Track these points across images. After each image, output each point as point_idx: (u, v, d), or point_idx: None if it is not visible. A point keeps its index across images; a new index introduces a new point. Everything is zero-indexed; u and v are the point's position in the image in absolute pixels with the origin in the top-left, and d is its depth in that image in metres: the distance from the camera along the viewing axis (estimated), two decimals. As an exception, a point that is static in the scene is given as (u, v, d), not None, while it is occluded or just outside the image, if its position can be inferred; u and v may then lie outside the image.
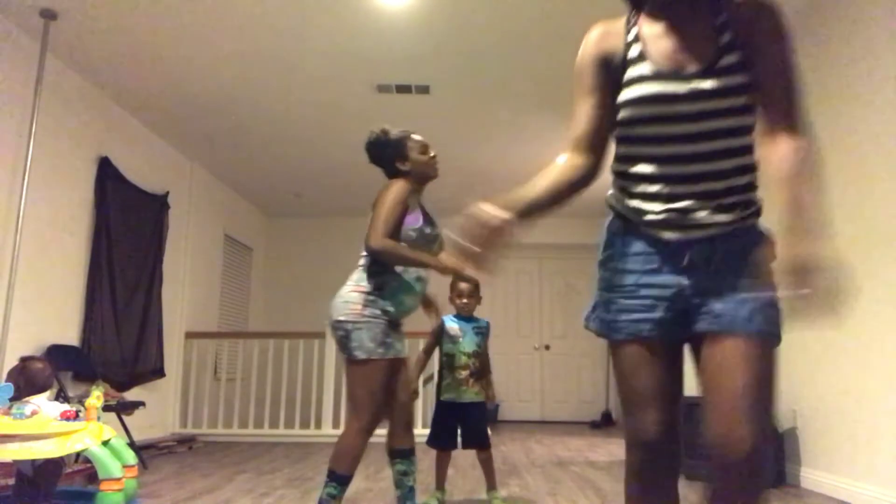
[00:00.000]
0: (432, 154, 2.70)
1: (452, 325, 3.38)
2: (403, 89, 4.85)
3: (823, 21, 3.64)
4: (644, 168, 1.35)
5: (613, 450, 5.71)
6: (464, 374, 3.35)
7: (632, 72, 1.35)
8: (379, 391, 2.52)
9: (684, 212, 1.31)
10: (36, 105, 4.08)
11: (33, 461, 2.58)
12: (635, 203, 1.37)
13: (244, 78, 4.72)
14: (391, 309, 2.53)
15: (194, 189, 6.57)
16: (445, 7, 3.82)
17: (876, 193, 3.16)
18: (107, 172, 5.00)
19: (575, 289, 8.95)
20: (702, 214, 1.31)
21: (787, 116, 1.28)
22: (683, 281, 1.33)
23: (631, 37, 1.38)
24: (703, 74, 1.28)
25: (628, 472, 1.40)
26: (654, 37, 1.35)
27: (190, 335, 6.39)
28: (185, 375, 6.30)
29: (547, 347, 8.88)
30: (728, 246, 1.31)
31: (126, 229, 5.25)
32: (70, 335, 4.61)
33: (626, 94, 1.35)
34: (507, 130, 5.69)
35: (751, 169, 1.34)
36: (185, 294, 6.41)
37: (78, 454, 2.60)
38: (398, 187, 2.52)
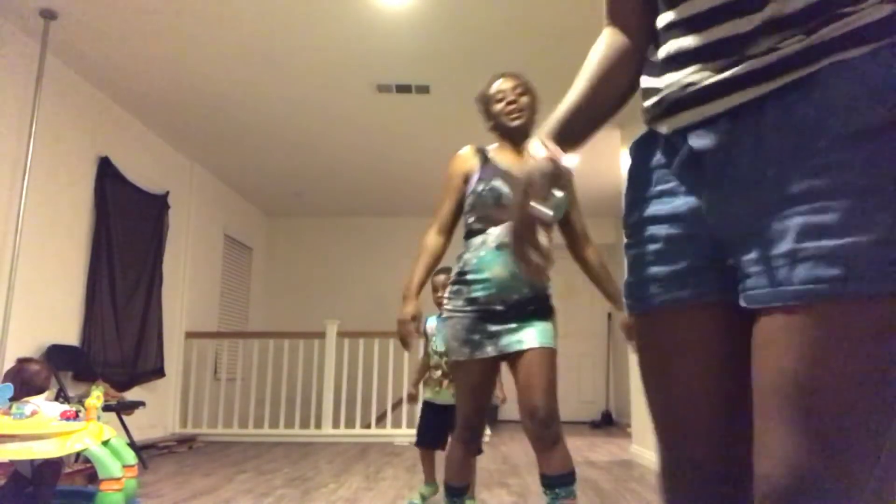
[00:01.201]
0: (508, 99, 2.24)
1: (431, 323, 3.38)
2: (403, 89, 4.85)
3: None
4: (663, 18, 0.83)
5: (613, 450, 5.71)
6: (437, 374, 3.27)
7: None
8: (467, 396, 2.18)
9: (679, 62, 0.77)
10: (36, 105, 4.08)
11: (32, 461, 2.58)
12: (645, 82, 0.87)
13: (244, 78, 4.72)
14: (479, 294, 2.09)
15: (194, 189, 6.57)
16: (445, 7, 3.82)
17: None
18: (107, 172, 5.00)
19: (575, 289, 8.95)
20: (711, 71, 0.74)
21: None
22: (702, 207, 0.76)
23: None
24: None
25: None
26: None
27: (190, 335, 6.39)
28: (185, 375, 6.30)
29: (547, 347, 8.88)
30: (773, 122, 0.69)
31: (126, 229, 5.25)
32: (70, 335, 4.60)
33: None
34: (507, 130, 5.69)
35: None
36: (185, 294, 6.41)
37: (78, 454, 2.60)
38: (448, 167, 2.27)
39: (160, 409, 5.89)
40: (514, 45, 4.22)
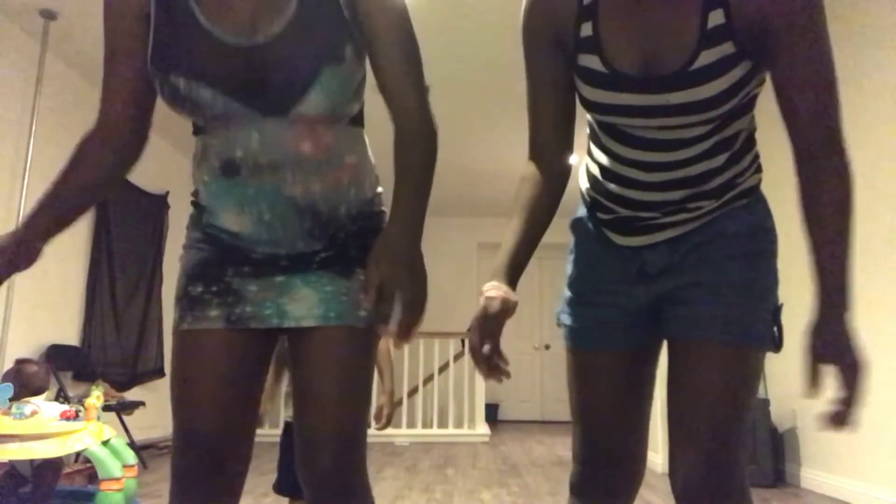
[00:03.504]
0: None
1: None
2: (403, 89, 4.85)
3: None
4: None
5: (613, 450, 5.71)
6: None
7: (583, 57, 1.04)
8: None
9: (634, 206, 1.17)
10: (36, 105, 4.08)
11: (32, 461, 2.58)
12: (595, 195, 1.25)
13: (244, 78, 4.72)
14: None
15: (194, 189, 6.57)
16: (445, 7, 3.82)
17: (880, 193, 3.16)
18: (107, 172, 5.00)
19: (575, 289, 8.95)
20: (659, 214, 1.14)
21: (823, 137, 0.96)
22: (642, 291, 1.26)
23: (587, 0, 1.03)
24: (671, 82, 0.98)
25: None
26: (612, 10, 1.01)
27: (190, 335, 6.38)
28: (185, 375, 6.29)
29: (547, 347, 8.88)
30: (689, 247, 1.17)
31: (126, 229, 5.25)
32: (70, 335, 4.60)
33: (578, 88, 1.08)
34: (507, 130, 5.69)
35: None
36: (185, 294, 6.41)
37: (78, 454, 2.60)
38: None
39: (160, 409, 5.87)
40: (513, 46, 4.22)
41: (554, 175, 1.14)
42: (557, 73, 1.10)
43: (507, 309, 1.03)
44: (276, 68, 1.00)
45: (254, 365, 1.13)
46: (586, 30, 1.02)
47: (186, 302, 1.10)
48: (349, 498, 1.08)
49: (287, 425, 2.15)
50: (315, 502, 1.10)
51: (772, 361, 4.12)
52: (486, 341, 1.01)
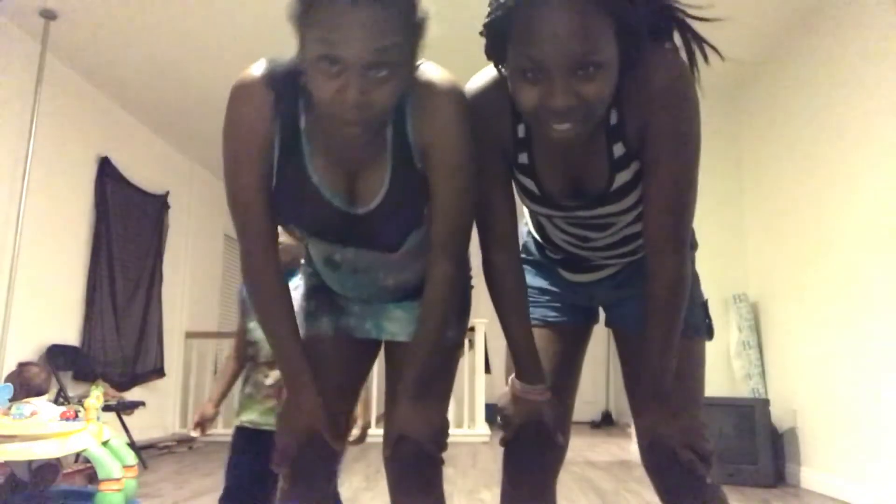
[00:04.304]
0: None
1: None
2: (403, 89, 4.84)
3: (824, 17, 3.64)
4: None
5: (613, 450, 5.71)
6: (270, 376, 1.91)
7: (520, 176, 1.22)
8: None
9: (575, 259, 1.40)
10: (36, 105, 4.08)
11: (30, 462, 2.58)
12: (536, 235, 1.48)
13: (244, 78, 4.71)
14: None
15: (194, 189, 6.57)
16: (445, 7, 3.82)
17: (878, 193, 3.16)
18: (107, 172, 4.99)
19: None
20: (605, 261, 1.38)
21: (666, 234, 1.15)
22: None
23: (521, 132, 1.19)
24: (596, 202, 1.18)
25: None
26: (542, 144, 1.18)
27: (190, 335, 6.39)
28: (185, 375, 6.30)
29: (547, 347, 8.86)
30: (623, 278, 1.42)
31: (126, 229, 5.25)
32: (70, 335, 4.60)
33: (518, 192, 1.26)
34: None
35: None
36: (185, 294, 6.41)
37: (78, 454, 2.60)
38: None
39: (160, 409, 5.89)
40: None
41: (517, 258, 1.29)
42: (508, 172, 1.23)
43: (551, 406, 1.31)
44: (373, 234, 1.19)
45: (358, 365, 1.39)
46: (523, 158, 1.19)
47: (303, 316, 1.34)
48: (429, 492, 1.30)
49: (239, 433, 1.97)
50: (398, 489, 1.32)
51: (772, 362, 4.11)
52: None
